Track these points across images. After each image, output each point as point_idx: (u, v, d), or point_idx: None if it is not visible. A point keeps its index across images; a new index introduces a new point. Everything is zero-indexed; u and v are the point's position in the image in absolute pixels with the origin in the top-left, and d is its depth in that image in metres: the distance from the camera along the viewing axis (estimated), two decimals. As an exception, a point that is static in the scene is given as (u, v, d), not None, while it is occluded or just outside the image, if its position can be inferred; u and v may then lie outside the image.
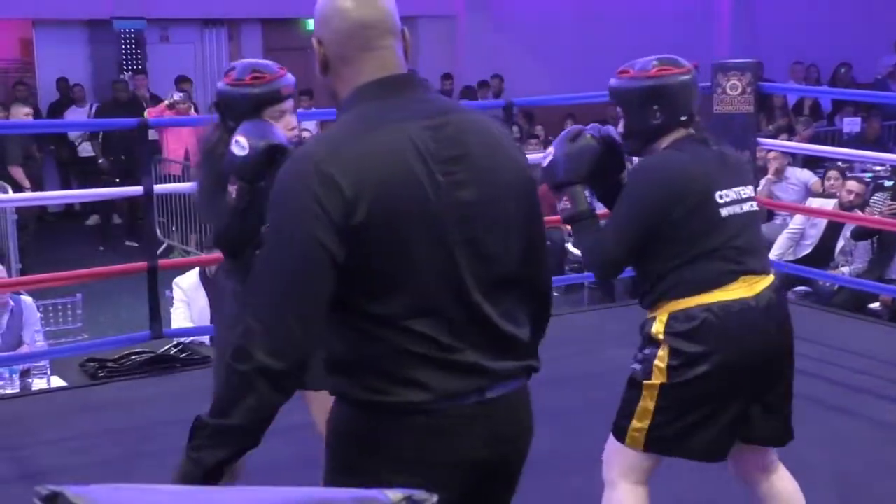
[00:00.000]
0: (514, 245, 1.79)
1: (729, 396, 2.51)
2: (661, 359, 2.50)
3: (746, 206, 2.57)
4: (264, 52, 12.30)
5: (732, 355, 2.48)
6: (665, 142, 2.60)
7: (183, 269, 5.55)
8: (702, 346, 2.47)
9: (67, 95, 11.02)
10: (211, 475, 1.67)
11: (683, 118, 2.60)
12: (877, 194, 7.09)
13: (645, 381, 2.51)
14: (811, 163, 8.81)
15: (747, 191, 2.60)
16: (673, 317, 2.50)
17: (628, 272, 2.69)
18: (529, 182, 1.84)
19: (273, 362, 1.62)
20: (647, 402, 2.51)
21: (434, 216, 1.67)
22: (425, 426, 1.70)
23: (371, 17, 1.74)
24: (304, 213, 1.62)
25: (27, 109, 8.54)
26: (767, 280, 2.57)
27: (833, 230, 6.89)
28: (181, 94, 9.36)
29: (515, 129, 9.51)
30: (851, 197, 6.72)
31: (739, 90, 5.22)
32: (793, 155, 8.43)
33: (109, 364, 4.68)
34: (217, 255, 5.23)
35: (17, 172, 8.15)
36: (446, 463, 1.72)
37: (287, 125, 2.75)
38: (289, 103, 2.78)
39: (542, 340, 1.95)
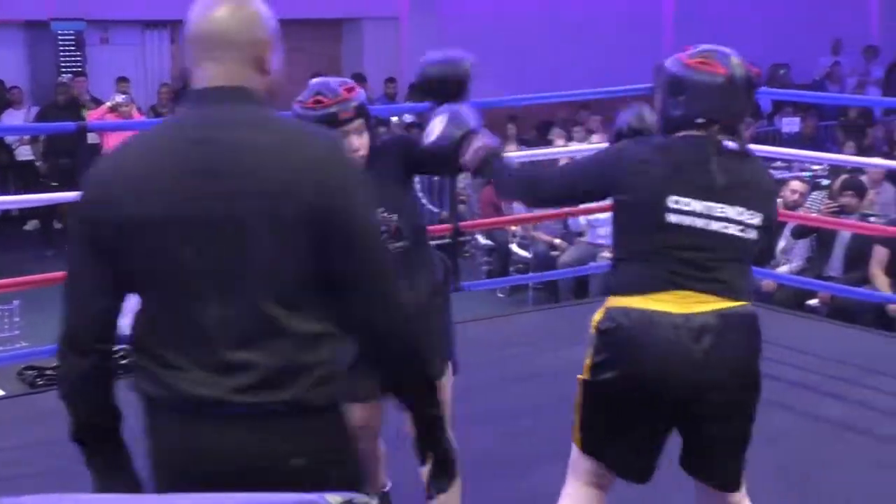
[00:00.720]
0: (280, 267, 1.68)
1: (636, 411, 2.40)
2: (589, 354, 2.45)
3: (717, 225, 2.38)
4: (206, 54, 12.17)
5: (635, 369, 2.36)
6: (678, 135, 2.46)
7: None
8: (611, 350, 2.39)
9: (3, 97, 10.80)
10: (83, 449, 1.85)
11: (700, 121, 2.39)
12: (814, 193, 7.23)
13: (578, 376, 2.48)
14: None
15: (735, 211, 2.39)
16: (605, 312, 2.44)
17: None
18: (328, 205, 1.67)
19: (62, 329, 1.83)
20: (578, 398, 2.48)
21: (169, 228, 1.68)
22: (155, 426, 1.76)
23: (204, 29, 1.74)
24: (75, 206, 1.78)
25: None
26: (716, 304, 2.37)
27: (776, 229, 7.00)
28: (124, 97, 9.19)
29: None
30: (796, 196, 6.85)
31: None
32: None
33: (49, 372, 4.61)
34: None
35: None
36: (176, 471, 1.74)
37: (349, 147, 2.52)
38: (353, 124, 2.70)
39: (406, 382, 1.79)
